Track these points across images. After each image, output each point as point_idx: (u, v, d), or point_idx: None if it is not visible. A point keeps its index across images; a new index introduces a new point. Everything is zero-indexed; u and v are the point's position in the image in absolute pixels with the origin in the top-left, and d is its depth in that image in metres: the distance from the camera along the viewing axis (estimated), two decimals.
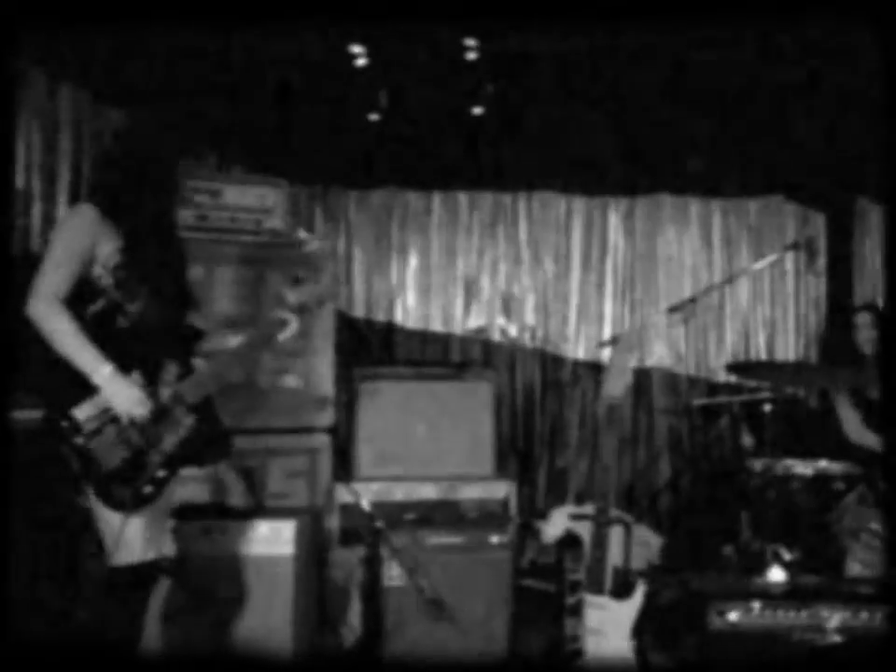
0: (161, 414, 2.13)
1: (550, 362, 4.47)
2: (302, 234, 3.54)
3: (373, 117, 4.38)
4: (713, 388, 4.31)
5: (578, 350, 4.46)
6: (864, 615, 2.36)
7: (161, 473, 2.12)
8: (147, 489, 2.09)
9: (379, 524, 2.75)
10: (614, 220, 4.50)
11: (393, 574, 2.87)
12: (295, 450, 3.49)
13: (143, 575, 2.18)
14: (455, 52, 4.11)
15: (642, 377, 4.43)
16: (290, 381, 3.66)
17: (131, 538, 2.10)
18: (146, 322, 2.14)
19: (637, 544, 3.95)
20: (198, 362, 2.32)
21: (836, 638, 2.35)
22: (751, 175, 4.42)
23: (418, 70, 4.24)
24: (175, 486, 2.27)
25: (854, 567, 3.08)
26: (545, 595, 3.04)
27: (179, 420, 2.16)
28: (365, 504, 2.90)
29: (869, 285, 4.38)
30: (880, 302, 4.33)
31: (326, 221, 4.39)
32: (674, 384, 4.41)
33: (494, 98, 4.33)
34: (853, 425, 3.60)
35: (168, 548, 2.26)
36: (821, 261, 4.35)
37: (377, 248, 4.44)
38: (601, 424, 2.59)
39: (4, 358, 2.11)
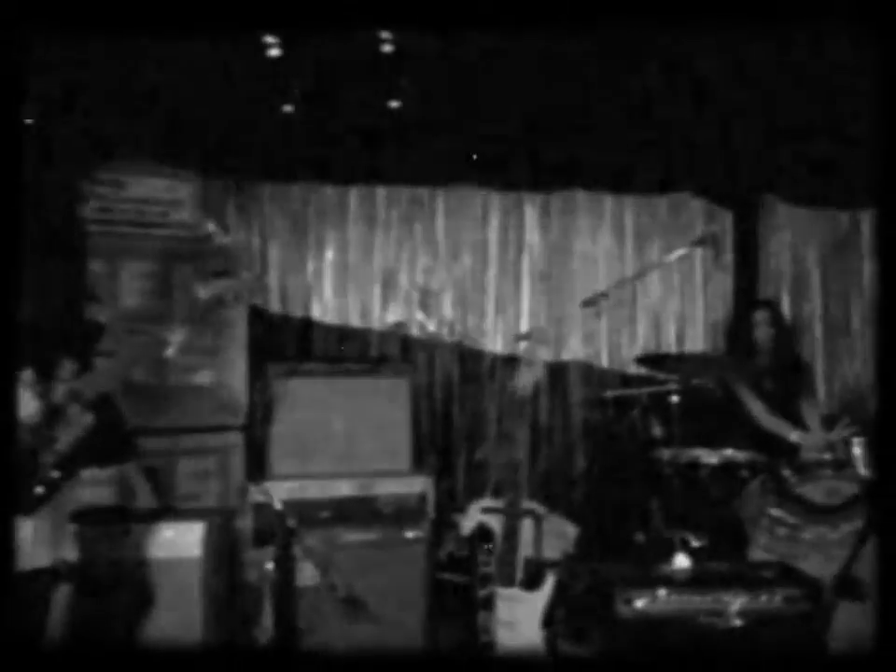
0: (54, 413, 2.04)
1: (468, 356, 4.48)
2: (212, 227, 3.45)
3: (288, 109, 4.31)
4: (626, 380, 4.39)
5: (496, 344, 4.48)
6: (764, 598, 2.44)
7: (54, 474, 2.04)
8: (39, 490, 2.01)
9: (290, 522, 2.71)
10: (530, 215, 4.54)
11: (306, 573, 2.83)
12: (206, 449, 3.42)
13: (40, 580, 2.10)
14: (370, 45, 4.08)
15: (558, 370, 4.49)
16: (201, 378, 3.58)
17: (25, 542, 2.01)
18: (38, 318, 2.06)
19: (554, 535, 4.01)
20: (98, 359, 2.24)
21: (737, 622, 2.42)
22: (661, 172, 4.52)
23: (333, 62, 4.19)
24: (75, 488, 2.19)
25: (756, 552, 3.20)
26: (462, 588, 3.05)
27: (75, 419, 2.08)
28: (276, 503, 2.85)
29: (773, 280, 4.54)
30: (784, 299, 4.51)
31: (239, 215, 4.29)
32: (589, 376, 4.48)
33: (410, 92, 4.31)
34: (761, 413, 3.74)
35: (67, 552, 2.18)
36: (727, 257, 4.49)
37: (293, 243, 4.37)
38: (512, 417, 2.61)
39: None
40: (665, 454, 3.52)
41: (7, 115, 1.99)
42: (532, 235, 4.55)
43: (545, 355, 2.68)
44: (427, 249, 4.51)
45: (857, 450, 3.39)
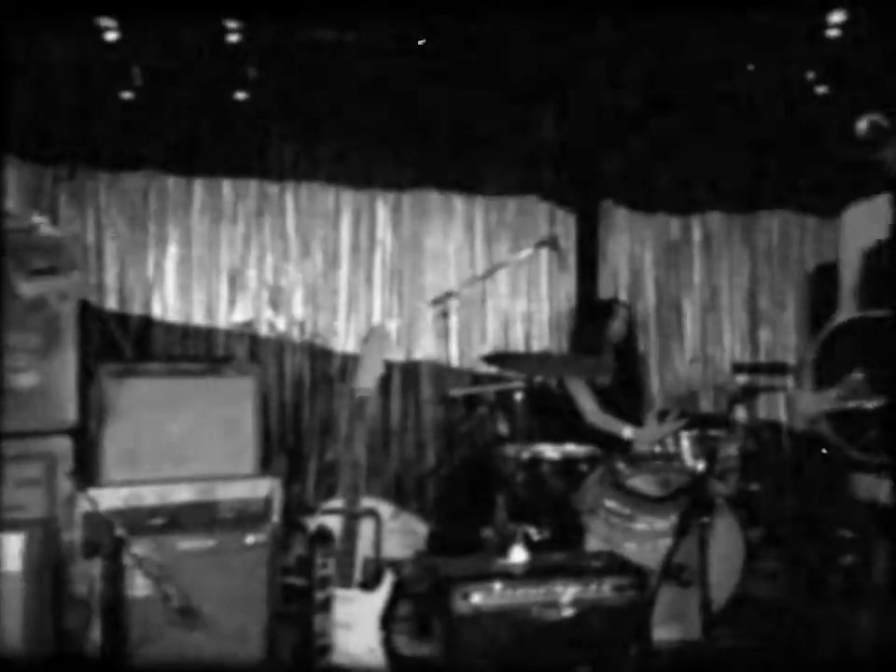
0: None
1: (319, 356, 4.43)
2: (37, 219, 3.22)
3: (127, 95, 4.10)
4: (476, 379, 4.47)
5: (347, 343, 4.45)
6: (594, 587, 2.54)
7: None
8: None
9: (119, 531, 2.57)
10: (382, 214, 4.54)
11: (137, 584, 2.70)
12: (30, 456, 3.19)
13: None
14: (215, 33, 3.94)
15: (411, 369, 4.52)
16: (25, 380, 3.33)
17: None
18: None
19: (405, 533, 4.03)
20: None
21: (569, 612, 2.51)
22: (510, 175, 4.63)
23: (176, 48, 4.03)
24: None
25: (592, 543, 3.33)
26: (302, 591, 3.00)
27: None
28: (103, 511, 2.70)
29: (612, 281, 4.75)
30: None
31: (72, 206, 4.04)
32: (440, 375, 4.53)
33: (258, 83, 4.20)
34: (589, 407, 3.91)
35: None
36: (569, 258, 4.65)
37: (132, 236, 4.16)
38: (352, 417, 2.59)
39: None
40: (510, 450, 3.61)
41: None
42: (384, 233, 4.54)
43: (385, 354, 2.67)
44: (276, 246, 4.41)
45: (685, 443, 3.59)
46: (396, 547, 3.86)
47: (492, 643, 2.48)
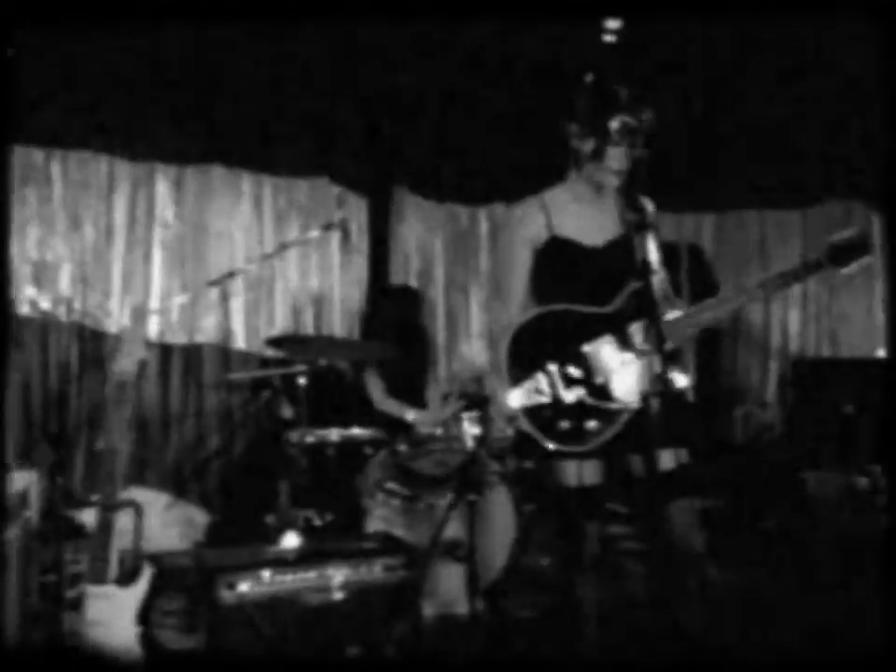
0: None
1: (89, 337, 4.11)
2: None
3: None
4: (265, 362, 4.35)
5: (121, 324, 4.15)
6: (364, 569, 2.55)
7: None
8: None
9: None
10: (163, 188, 4.29)
11: None
12: None
13: None
14: None
15: (192, 352, 4.32)
16: None
17: None
18: None
19: (183, 524, 3.86)
20: None
21: (340, 595, 2.50)
22: (302, 156, 4.54)
23: None
24: None
25: (373, 525, 3.35)
26: (53, 588, 2.78)
27: None
28: None
29: (403, 266, 4.80)
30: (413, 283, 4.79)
31: None
32: (225, 358, 4.36)
33: (24, 39, 3.82)
34: (377, 393, 3.93)
35: None
36: (362, 242, 4.65)
37: None
38: (110, 402, 2.43)
39: None
40: (294, 435, 3.55)
41: None
42: (164, 209, 4.30)
43: (145, 335, 2.51)
44: (41, 218, 4.05)
45: (466, 424, 3.70)
46: (174, 538, 3.69)
47: (260, 632, 2.42)
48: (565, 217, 2.32)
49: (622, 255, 2.22)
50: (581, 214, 2.33)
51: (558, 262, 2.32)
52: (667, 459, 2.25)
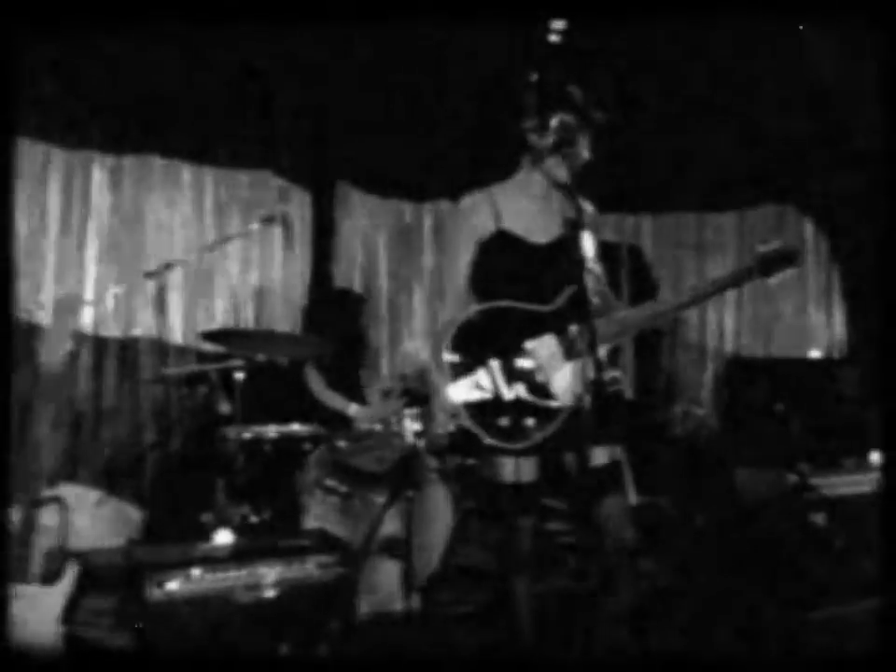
0: None
1: (20, 331, 3.98)
2: None
3: None
4: (202, 357, 4.27)
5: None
6: (297, 567, 2.53)
7: None
8: None
9: None
10: (98, 177, 4.18)
11: None
12: None
13: None
14: None
15: (128, 346, 4.22)
16: None
17: None
18: None
19: (116, 521, 3.77)
20: None
21: (272, 593, 2.48)
22: (244, 148, 4.48)
23: None
24: None
25: (311, 522, 3.32)
26: None
27: None
28: None
29: (346, 262, 4.76)
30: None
31: None
32: (161, 352, 4.28)
33: None
34: (318, 386, 3.90)
35: None
36: (304, 237, 4.61)
37: None
38: (38, 396, 2.36)
39: None
40: (231, 431, 3.50)
41: None
42: (101, 198, 4.19)
43: (73, 326, 2.45)
44: None
45: (408, 421, 3.68)
46: (106, 536, 3.60)
47: (189, 630, 2.38)
48: (513, 211, 2.33)
49: (564, 254, 2.25)
50: (528, 210, 2.35)
51: (502, 257, 2.33)
52: (600, 455, 2.28)
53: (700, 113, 4.62)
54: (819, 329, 5.17)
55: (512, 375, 2.17)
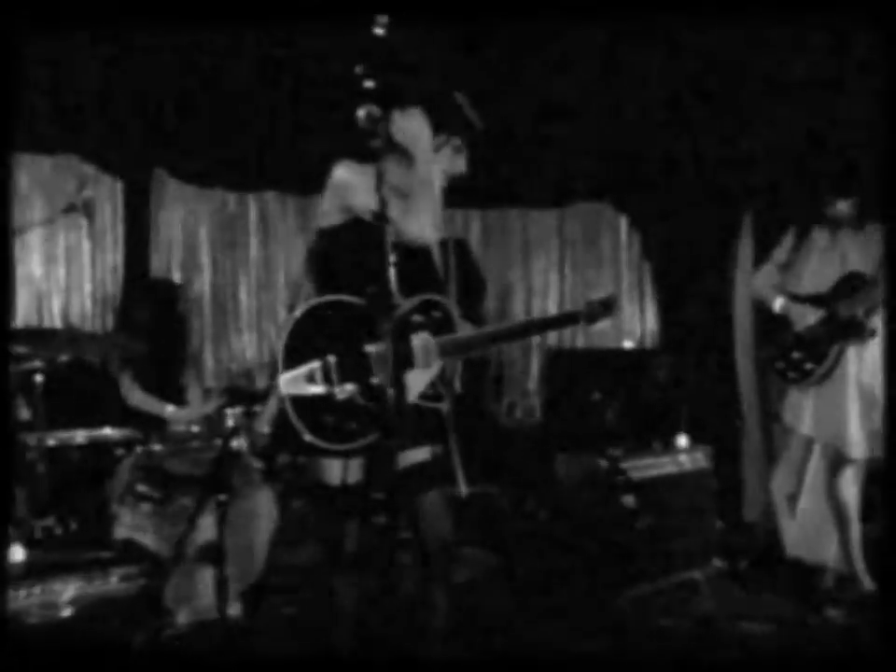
0: None
1: None
2: None
3: None
4: None
5: None
6: (98, 582, 2.36)
7: None
8: None
9: None
10: None
11: None
12: None
13: None
14: None
15: None
16: None
17: None
18: None
19: None
20: None
21: (68, 612, 2.30)
22: (48, 130, 4.14)
23: None
24: None
25: (121, 532, 3.12)
26: None
27: None
28: None
29: (165, 254, 4.53)
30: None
31: None
32: None
33: None
34: (132, 391, 3.68)
35: None
36: (117, 227, 4.34)
37: None
38: None
39: None
40: (31, 438, 3.23)
41: None
42: None
43: None
44: None
45: (230, 421, 3.54)
46: None
47: None
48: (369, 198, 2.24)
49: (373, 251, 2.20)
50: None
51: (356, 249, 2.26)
52: (421, 451, 2.28)
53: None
54: (633, 320, 5.46)
55: (347, 374, 2.10)
